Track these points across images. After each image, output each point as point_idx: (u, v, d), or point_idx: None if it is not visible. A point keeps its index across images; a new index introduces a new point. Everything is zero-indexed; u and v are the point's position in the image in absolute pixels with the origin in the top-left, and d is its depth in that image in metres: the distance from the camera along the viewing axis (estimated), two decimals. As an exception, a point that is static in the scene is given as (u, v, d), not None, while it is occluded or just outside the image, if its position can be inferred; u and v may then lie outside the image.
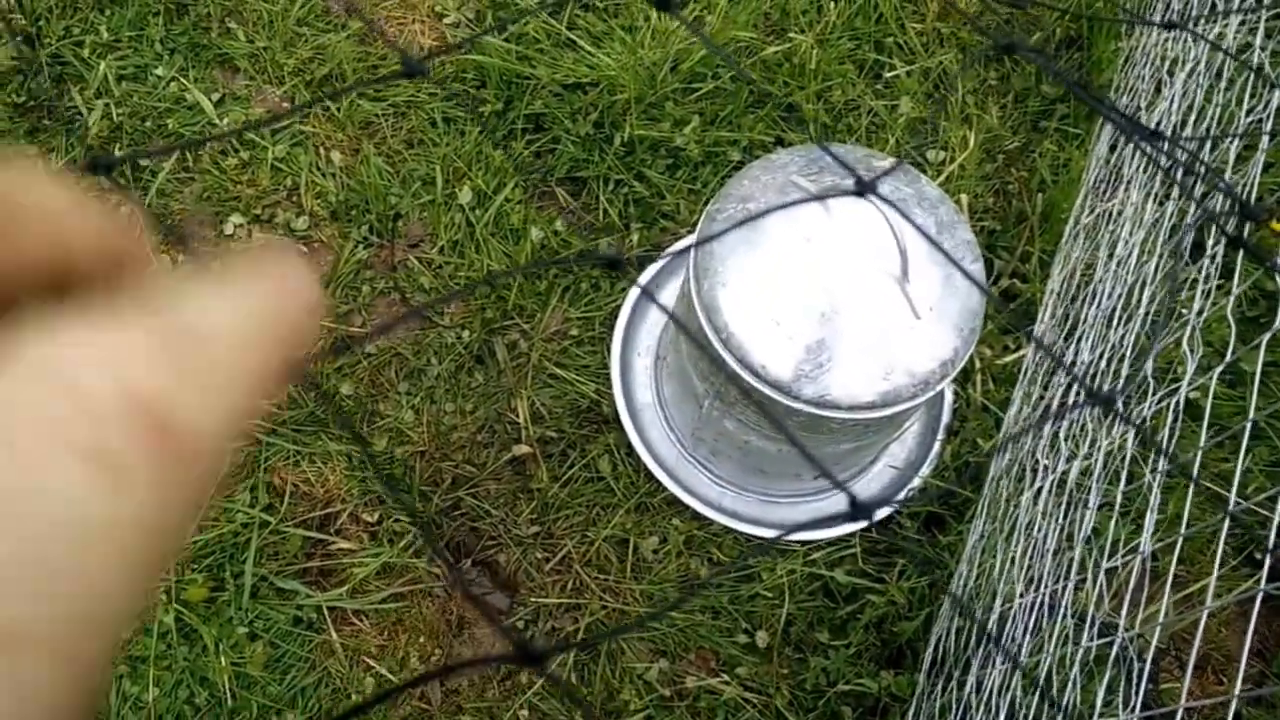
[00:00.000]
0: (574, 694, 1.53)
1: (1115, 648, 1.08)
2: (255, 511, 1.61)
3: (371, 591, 1.59)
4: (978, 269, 1.39)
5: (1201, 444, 1.02)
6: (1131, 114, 1.73)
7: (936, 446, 1.72)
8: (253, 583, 1.58)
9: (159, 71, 1.88)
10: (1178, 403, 1.10)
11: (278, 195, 1.79)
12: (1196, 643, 1.02)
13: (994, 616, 1.38)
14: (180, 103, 1.86)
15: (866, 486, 1.73)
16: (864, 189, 0.36)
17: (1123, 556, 1.11)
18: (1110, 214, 1.67)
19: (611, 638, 1.61)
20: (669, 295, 1.74)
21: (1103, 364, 1.39)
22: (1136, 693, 1.01)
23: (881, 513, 1.69)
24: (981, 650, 1.35)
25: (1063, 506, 1.34)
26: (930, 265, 1.34)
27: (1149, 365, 1.21)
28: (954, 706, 1.36)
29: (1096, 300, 1.55)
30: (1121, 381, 1.35)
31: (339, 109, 1.86)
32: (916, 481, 1.70)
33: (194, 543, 1.58)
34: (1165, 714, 1.19)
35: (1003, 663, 1.21)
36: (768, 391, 1.33)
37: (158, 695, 1.52)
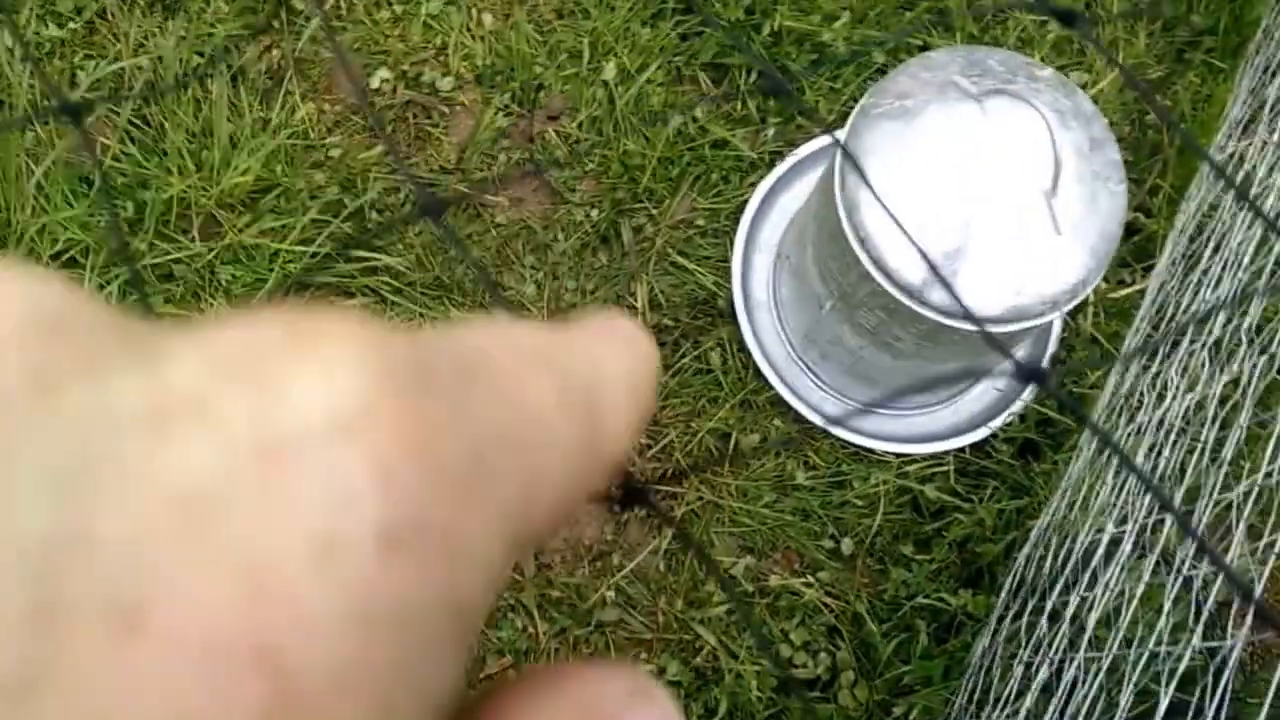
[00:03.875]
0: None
1: (1192, 587, 1.09)
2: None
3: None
4: (1122, 190, 1.38)
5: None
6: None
7: (1045, 373, 1.71)
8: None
9: None
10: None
11: (426, 53, 1.78)
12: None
13: (1079, 548, 1.38)
14: None
15: (968, 407, 1.74)
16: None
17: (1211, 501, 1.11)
18: (1240, 155, 1.63)
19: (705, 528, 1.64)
20: (797, 194, 1.72)
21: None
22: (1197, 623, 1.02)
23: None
24: (1063, 578, 1.36)
25: (1157, 448, 1.33)
26: (1076, 183, 1.32)
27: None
28: (1023, 634, 1.36)
29: (1227, 239, 1.52)
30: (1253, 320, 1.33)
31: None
32: (1018, 406, 1.70)
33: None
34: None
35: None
36: (896, 295, 1.33)
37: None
